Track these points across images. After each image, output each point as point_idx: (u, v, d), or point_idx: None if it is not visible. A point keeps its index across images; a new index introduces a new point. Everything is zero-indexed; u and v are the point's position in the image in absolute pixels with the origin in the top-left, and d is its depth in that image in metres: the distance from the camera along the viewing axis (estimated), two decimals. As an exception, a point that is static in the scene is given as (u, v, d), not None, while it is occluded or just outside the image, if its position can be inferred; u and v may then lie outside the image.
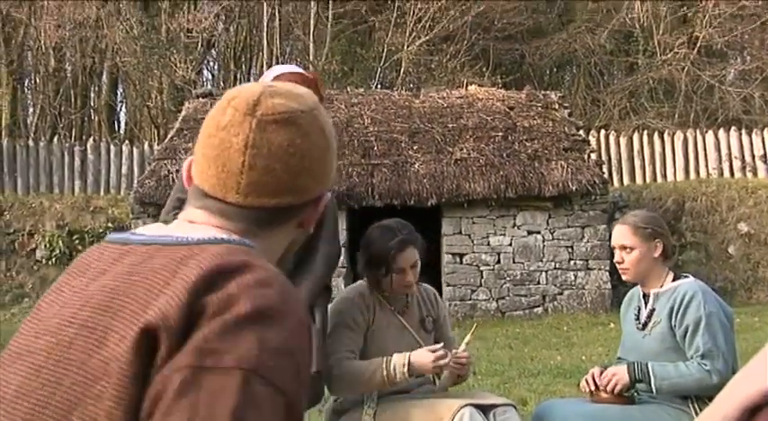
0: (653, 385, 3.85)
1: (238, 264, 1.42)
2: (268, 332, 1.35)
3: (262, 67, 24.00)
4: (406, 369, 3.77)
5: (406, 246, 3.96)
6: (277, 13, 24.43)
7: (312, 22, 24.35)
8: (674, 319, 3.90)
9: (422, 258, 4.03)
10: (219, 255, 1.44)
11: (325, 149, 1.62)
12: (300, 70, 3.96)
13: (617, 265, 4.11)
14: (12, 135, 22.13)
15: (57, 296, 1.55)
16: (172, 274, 1.41)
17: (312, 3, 24.45)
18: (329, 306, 4.09)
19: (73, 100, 25.32)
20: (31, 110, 26.21)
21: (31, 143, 19.12)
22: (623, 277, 4.12)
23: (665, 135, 19.38)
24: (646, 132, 19.82)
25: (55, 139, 19.90)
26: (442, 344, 3.88)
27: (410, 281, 3.96)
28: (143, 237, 1.57)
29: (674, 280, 4.03)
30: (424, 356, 3.79)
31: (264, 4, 24.48)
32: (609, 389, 3.94)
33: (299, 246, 3.87)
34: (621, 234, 4.06)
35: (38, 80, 26.12)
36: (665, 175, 18.92)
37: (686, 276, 4.09)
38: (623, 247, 4.04)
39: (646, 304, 4.07)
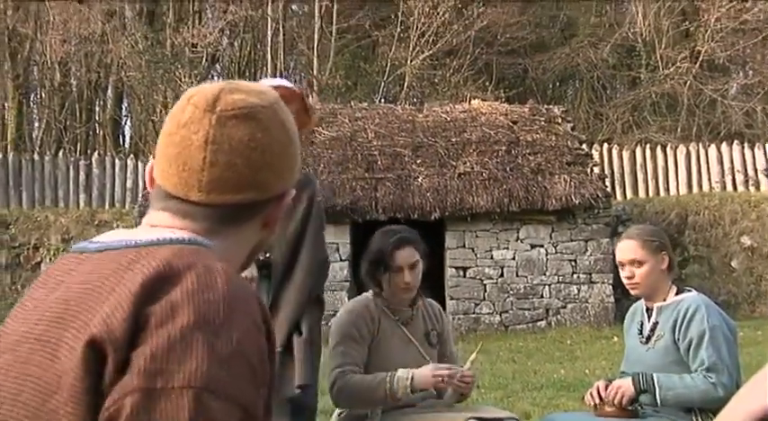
0: (658, 396, 3.83)
1: (181, 268, 1.39)
2: (216, 340, 1.32)
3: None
4: (408, 383, 3.78)
5: (403, 243, 3.98)
6: (281, 28, 24.53)
7: (316, 36, 24.43)
8: (677, 333, 3.89)
9: (425, 265, 4.05)
10: (163, 259, 1.41)
11: (287, 144, 1.60)
12: (287, 84, 3.80)
13: (626, 281, 4.06)
14: (17, 149, 22.21)
15: (20, 311, 1.54)
16: (118, 281, 1.39)
17: (316, 18, 24.53)
18: (334, 319, 4.08)
19: (78, 114, 25.41)
20: (36, 124, 26.34)
21: (36, 157, 19.19)
22: (633, 292, 4.08)
23: (668, 149, 19.42)
24: (648, 146, 19.86)
25: (60, 153, 19.99)
26: (448, 367, 3.90)
27: (408, 281, 3.96)
28: (99, 243, 1.54)
29: (677, 293, 4.03)
30: (426, 372, 3.82)
31: (269, 19, 24.59)
32: (615, 401, 3.93)
33: (285, 255, 3.56)
34: (630, 248, 4.03)
35: (43, 94, 26.24)
36: (667, 189, 18.95)
37: (689, 290, 4.08)
38: (633, 262, 4.00)
39: (649, 318, 4.05)
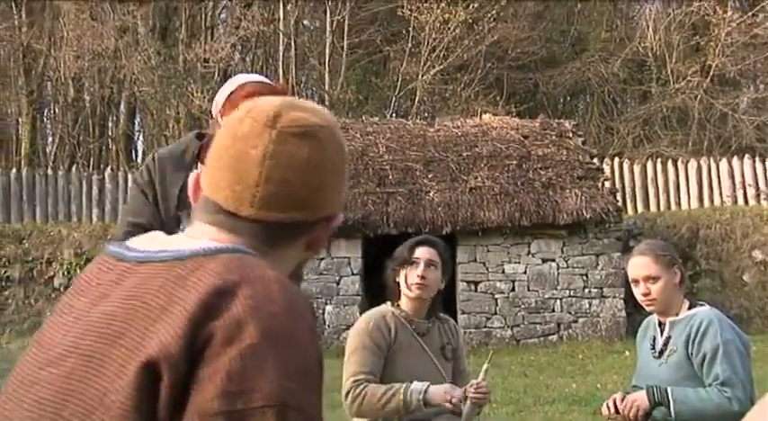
0: (672, 409, 3.80)
1: (236, 281, 1.38)
2: (286, 355, 1.34)
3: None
4: (422, 397, 3.82)
5: (425, 242, 4.13)
6: (293, 43, 24.62)
7: (327, 51, 24.52)
8: (690, 347, 3.88)
9: (443, 281, 4.14)
10: (216, 274, 1.39)
11: (340, 167, 1.59)
12: (267, 80, 3.66)
13: (642, 298, 4.02)
14: (31, 164, 22.32)
15: (59, 319, 1.53)
16: (168, 298, 1.38)
17: (328, 33, 24.63)
18: (351, 328, 4.15)
19: (91, 129, 25.53)
20: (50, 139, 26.48)
21: (49, 172, 19.30)
22: (649, 309, 4.05)
23: (679, 163, 19.42)
24: (659, 160, 19.86)
25: (73, 168, 20.09)
26: (463, 391, 3.94)
27: (422, 275, 4.02)
28: (138, 253, 1.52)
29: (689, 308, 4.01)
30: (440, 389, 3.86)
31: (280, 34, 24.70)
32: (631, 415, 3.92)
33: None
34: (644, 265, 4.00)
35: (57, 110, 26.39)
36: (678, 203, 18.94)
37: (702, 304, 4.07)
38: (648, 278, 3.97)
39: (662, 332, 4.04)
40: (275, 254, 1.54)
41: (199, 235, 1.54)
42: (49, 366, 1.44)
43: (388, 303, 4.17)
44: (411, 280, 4.05)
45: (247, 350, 1.31)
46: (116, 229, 3.80)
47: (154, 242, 1.56)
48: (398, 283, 4.11)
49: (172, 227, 3.35)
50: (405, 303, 4.12)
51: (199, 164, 3.46)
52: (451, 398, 3.82)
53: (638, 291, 4.05)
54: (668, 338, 3.99)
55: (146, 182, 3.65)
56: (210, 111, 3.76)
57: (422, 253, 4.06)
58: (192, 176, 1.68)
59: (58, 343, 1.47)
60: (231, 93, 3.43)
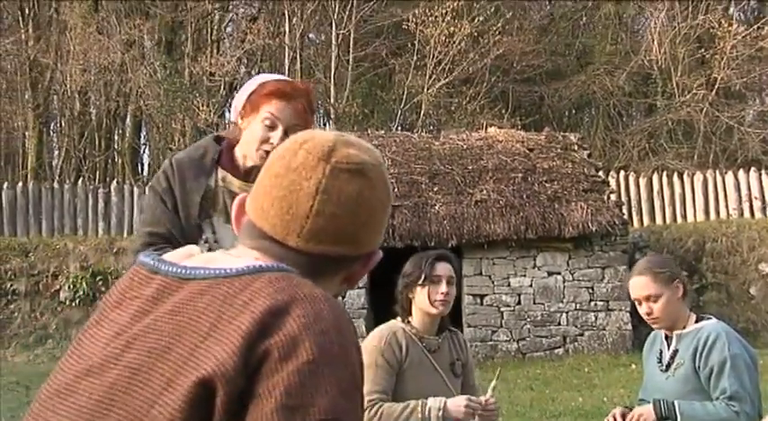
0: None
1: (287, 300, 1.42)
2: (340, 372, 1.40)
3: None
4: (441, 414, 3.79)
5: (443, 258, 4.07)
6: (298, 57, 24.69)
7: (333, 65, 24.57)
8: (698, 361, 3.86)
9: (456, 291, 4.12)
10: (266, 293, 1.43)
11: (386, 205, 1.62)
12: (288, 78, 3.59)
13: (646, 317, 4.00)
14: (37, 177, 22.38)
15: (97, 331, 1.56)
16: (217, 316, 1.42)
17: (333, 46, 24.69)
18: (361, 345, 4.08)
19: (97, 143, 25.60)
20: (56, 152, 26.55)
21: (56, 185, 19.35)
22: (655, 327, 4.03)
23: (685, 176, 19.42)
24: (665, 173, 19.87)
25: (79, 182, 20.14)
26: (481, 399, 3.92)
27: (446, 292, 4.00)
28: (179, 268, 1.56)
29: (696, 321, 3.99)
30: (459, 402, 3.84)
31: (286, 47, 24.77)
32: None
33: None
34: (643, 285, 3.97)
35: (63, 123, 26.47)
36: (684, 216, 18.93)
37: (709, 317, 4.05)
38: (648, 298, 3.95)
39: (669, 345, 4.02)
40: (317, 282, 1.55)
41: (242, 254, 1.57)
42: (88, 376, 1.48)
43: (398, 319, 4.13)
44: (435, 297, 4.00)
45: (304, 366, 1.36)
46: (134, 239, 3.66)
47: (193, 258, 1.60)
48: (411, 299, 4.07)
49: (193, 236, 3.30)
50: (416, 319, 4.08)
51: (219, 168, 3.43)
52: (473, 411, 3.81)
53: (641, 310, 4.03)
54: (675, 351, 3.97)
55: (164, 188, 3.43)
56: (217, 125, 3.69)
57: (443, 270, 4.02)
58: (237, 199, 1.69)
59: (99, 354, 1.51)
60: (252, 93, 3.34)
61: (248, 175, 3.30)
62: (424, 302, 4.02)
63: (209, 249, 3.04)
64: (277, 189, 1.56)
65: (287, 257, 1.54)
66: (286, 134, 3.14)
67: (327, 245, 1.55)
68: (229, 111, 3.67)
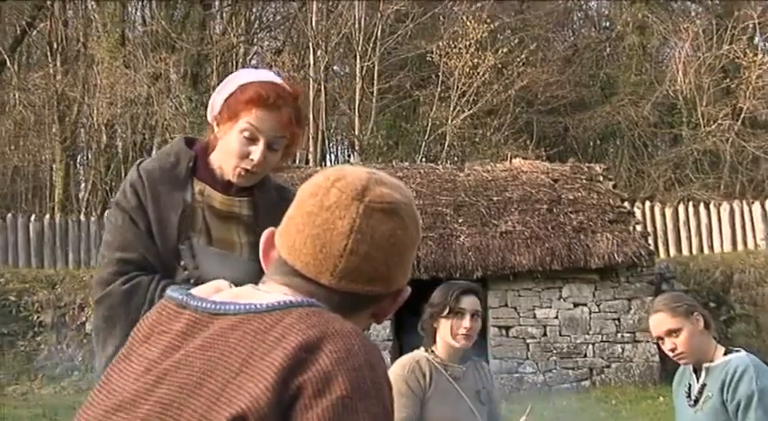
0: None
1: (320, 337, 1.42)
2: (373, 407, 1.40)
3: (308, 141, 24.33)
4: None
5: (469, 291, 4.07)
6: (323, 89, 24.82)
7: (357, 97, 24.69)
8: (725, 394, 3.81)
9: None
10: (298, 329, 1.44)
11: (415, 243, 1.63)
12: (274, 78, 2.97)
13: (671, 354, 3.97)
14: (64, 210, 22.54)
15: (126, 365, 1.58)
16: (249, 352, 1.43)
17: (357, 78, 24.82)
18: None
19: (123, 175, 25.71)
20: (82, 185, 26.74)
21: (82, 218, 19.47)
22: (682, 362, 4.00)
23: (711, 206, 19.30)
24: (691, 203, 19.77)
25: (105, 214, 20.24)
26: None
27: (469, 327, 4.00)
28: (208, 303, 1.56)
29: (725, 354, 3.95)
30: None
31: (311, 79, 24.91)
32: None
33: None
34: (662, 321, 3.96)
35: (90, 156, 26.69)
36: (711, 247, 18.80)
37: (738, 350, 4.00)
38: (670, 333, 3.93)
39: (697, 379, 3.99)
40: (346, 318, 1.56)
41: (272, 289, 1.58)
42: (118, 411, 1.49)
43: (422, 348, 4.14)
44: (458, 330, 4.01)
45: (338, 402, 1.37)
46: (101, 266, 2.96)
47: (222, 293, 1.60)
48: (435, 329, 4.07)
49: (170, 262, 2.87)
50: (440, 348, 4.09)
51: (195, 180, 2.96)
52: None
53: (665, 348, 4.01)
54: (703, 385, 3.93)
55: (134, 206, 2.90)
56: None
57: (468, 303, 4.02)
58: (265, 234, 1.68)
59: (129, 389, 1.52)
60: (230, 96, 2.87)
61: (229, 188, 2.94)
62: (447, 334, 4.04)
63: (188, 277, 2.82)
64: (310, 227, 1.55)
65: (318, 295, 1.55)
66: (270, 147, 2.83)
67: (360, 283, 1.55)
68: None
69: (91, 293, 2.97)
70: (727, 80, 26.06)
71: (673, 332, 3.92)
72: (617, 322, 15.04)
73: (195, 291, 1.62)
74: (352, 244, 1.53)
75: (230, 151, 2.85)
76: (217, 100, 2.93)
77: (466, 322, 4.00)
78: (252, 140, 2.81)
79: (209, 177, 2.95)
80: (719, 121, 24.68)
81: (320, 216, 1.55)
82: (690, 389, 4.03)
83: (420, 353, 4.13)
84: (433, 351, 4.10)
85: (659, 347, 3.88)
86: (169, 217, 2.89)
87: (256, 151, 2.81)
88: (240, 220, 2.95)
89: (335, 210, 1.54)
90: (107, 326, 2.84)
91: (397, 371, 4.03)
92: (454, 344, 4.04)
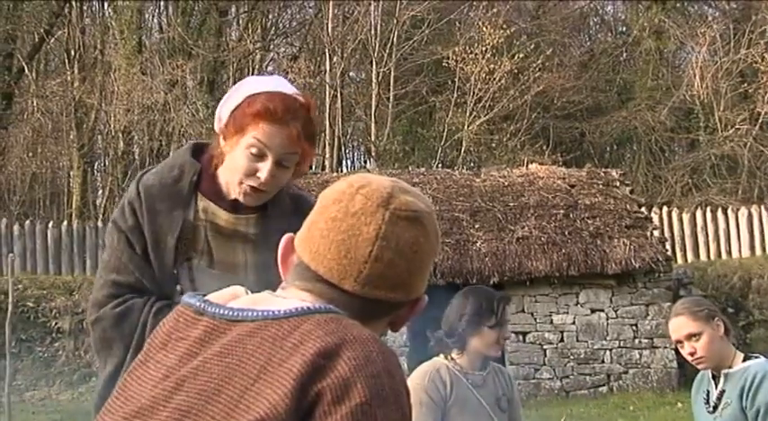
0: None
1: (338, 343, 1.42)
2: (392, 414, 1.41)
3: (324, 147, 24.37)
4: None
5: (507, 301, 4.10)
6: (339, 95, 24.85)
7: (374, 103, 24.69)
8: (744, 400, 3.79)
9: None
10: (317, 336, 1.44)
11: (435, 251, 1.64)
12: (283, 88, 2.72)
13: (690, 358, 3.94)
14: (81, 217, 22.62)
15: (143, 372, 1.58)
16: (267, 359, 1.43)
17: (374, 84, 24.83)
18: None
19: (140, 182, 25.81)
20: (99, 192, 26.83)
21: (99, 224, 19.50)
22: (701, 367, 3.97)
23: (729, 211, 19.21)
24: (709, 209, 19.68)
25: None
26: None
27: (506, 337, 4.03)
28: (225, 310, 1.56)
29: (744, 360, 3.92)
30: None
31: (327, 86, 24.95)
32: None
33: None
34: (682, 324, 3.93)
35: (107, 163, 26.77)
36: (729, 252, 18.71)
37: (757, 356, 3.98)
38: (690, 336, 3.90)
39: (716, 386, 3.96)
40: (365, 324, 1.57)
41: (290, 295, 1.59)
42: (137, 418, 1.50)
43: (441, 356, 4.11)
44: (501, 339, 4.03)
45: (357, 408, 1.37)
46: (96, 286, 2.83)
47: (239, 299, 1.60)
48: (470, 338, 4.03)
49: (167, 285, 2.72)
50: (466, 357, 4.06)
51: (199, 195, 2.78)
52: None
53: (684, 352, 3.98)
54: (722, 392, 3.91)
55: (131, 226, 2.75)
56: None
57: (508, 313, 4.06)
58: (284, 239, 1.67)
59: (147, 396, 1.52)
60: (236, 108, 2.66)
61: (236, 207, 2.76)
62: (488, 344, 4.01)
63: None
64: (335, 233, 1.55)
65: (340, 301, 1.55)
66: (279, 165, 2.63)
67: (382, 290, 1.55)
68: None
69: (87, 314, 2.87)
70: (745, 84, 25.96)
71: (693, 336, 3.90)
72: (634, 328, 14.99)
73: (212, 297, 1.62)
74: (377, 250, 1.53)
75: (236, 168, 2.66)
76: (223, 111, 2.73)
77: (506, 332, 4.02)
78: (259, 157, 2.61)
79: (215, 193, 2.77)
80: (737, 126, 24.59)
81: (345, 222, 1.55)
82: (708, 395, 4.00)
83: (439, 360, 4.10)
84: (452, 358, 4.07)
85: (677, 353, 3.85)
86: (166, 239, 2.73)
87: (264, 169, 2.62)
88: (246, 239, 2.77)
89: (361, 216, 1.55)
90: (103, 347, 2.77)
91: (417, 380, 4.00)
92: (489, 353, 4.04)
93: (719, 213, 19.16)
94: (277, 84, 2.72)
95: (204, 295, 1.64)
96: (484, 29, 23.81)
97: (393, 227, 1.55)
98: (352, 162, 30.74)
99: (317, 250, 1.57)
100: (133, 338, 2.57)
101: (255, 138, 2.58)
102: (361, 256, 1.53)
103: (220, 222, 2.75)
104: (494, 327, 3.97)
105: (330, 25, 24.87)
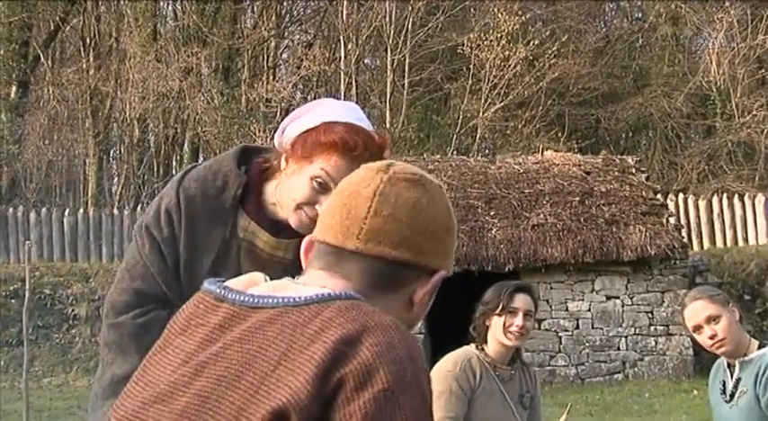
0: None
1: (360, 330, 1.42)
2: (414, 400, 1.40)
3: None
4: None
5: (522, 289, 4.08)
6: (354, 82, 24.83)
7: (388, 90, 24.68)
8: (758, 388, 3.76)
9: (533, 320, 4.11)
10: (338, 323, 1.44)
11: (448, 226, 1.65)
12: (366, 125, 2.55)
13: (710, 342, 3.88)
14: (97, 204, 22.71)
15: (162, 357, 1.59)
16: (288, 345, 1.43)
17: (389, 71, 24.80)
18: (433, 369, 3.97)
19: (156, 169, 25.91)
20: (115, 179, 26.94)
21: (115, 212, 19.61)
22: (721, 351, 3.91)
23: (746, 198, 19.12)
24: (725, 195, 19.60)
25: (138, 208, 20.39)
26: None
27: (521, 325, 3.99)
28: (246, 297, 1.56)
29: (759, 348, 3.89)
30: None
31: (341, 73, 24.93)
32: None
33: None
34: (701, 307, 3.90)
35: (122, 150, 26.86)
36: (746, 239, 18.62)
37: (772, 344, 3.97)
38: (710, 319, 3.86)
39: (731, 375, 3.94)
40: (382, 301, 1.57)
41: (309, 281, 1.59)
42: (156, 403, 1.50)
43: (473, 345, 4.12)
44: (510, 328, 4.01)
45: (380, 394, 1.37)
46: (116, 290, 2.64)
47: (259, 286, 1.61)
48: (487, 327, 4.06)
49: None
50: (490, 348, 4.08)
51: (241, 209, 2.61)
52: None
53: (703, 337, 3.93)
54: (738, 380, 3.88)
55: (166, 238, 2.58)
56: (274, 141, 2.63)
57: (521, 302, 4.02)
58: (304, 242, 1.67)
59: (166, 381, 1.53)
60: (309, 131, 2.48)
61: (278, 229, 2.59)
62: (499, 332, 4.02)
63: None
64: (338, 200, 1.61)
65: (351, 268, 1.57)
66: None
67: (387, 247, 1.57)
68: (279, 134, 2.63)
69: (102, 311, 2.75)
70: (762, 70, 25.85)
71: (713, 319, 3.87)
72: (650, 315, 14.95)
73: (231, 283, 1.62)
74: (375, 205, 1.57)
75: (295, 194, 2.48)
76: (293, 129, 2.54)
77: (518, 320, 3.99)
78: (323, 190, 2.42)
79: (259, 212, 2.61)
80: (754, 112, 24.44)
81: (347, 189, 1.62)
82: (725, 385, 3.98)
83: (471, 350, 4.11)
84: (483, 349, 4.09)
85: (693, 340, 3.82)
86: (202, 260, 2.58)
87: (326, 203, 2.37)
88: (281, 264, 2.56)
89: (361, 181, 1.61)
90: (117, 350, 2.61)
91: (447, 368, 4.01)
92: (506, 342, 4.03)
93: (736, 200, 19.07)
94: (357, 116, 2.56)
95: (223, 281, 1.64)
96: (499, 15, 23.75)
97: (392, 186, 1.59)
98: (367, 149, 30.70)
99: (324, 222, 1.62)
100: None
101: (324, 170, 2.43)
102: (361, 213, 1.57)
103: (259, 244, 2.62)
104: (501, 315, 3.99)
105: (345, 12, 24.81)
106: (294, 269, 2.53)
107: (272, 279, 2.41)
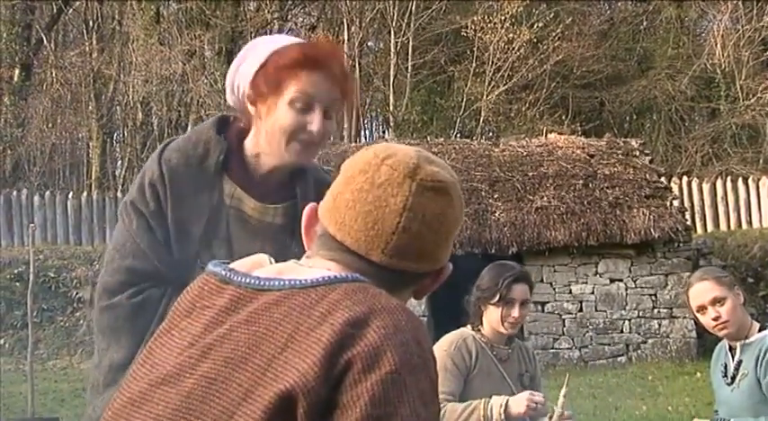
0: None
1: (367, 312, 1.43)
2: (419, 382, 1.42)
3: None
4: (503, 410, 3.80)
5: (522, 279, 4.07)
6: (357, 65, 24.77)
7: (392, 73, 24.64)
8: (759, 370, 3.80)
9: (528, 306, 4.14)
10: (345, 305, 1.44)
11: (459, 222, 1.65)
12: (307, 41, 2.58)
13: (713, 323, 3.91)
14: (101, 187, 22.73)
15: (168, 339, 1.59)
16: (295, 327, 1.44)
17: (392, 54, 24.76)
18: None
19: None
20: (119, 162, 26.93)
21: (119, 195, 19.61)
22: (723, 333, 3.94)
23: (750, 181, 19.10)
24: (729, 178, 19.58)
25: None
26: (543, 395, 3.91)
27: (516, 316, 4.01)
28: (251, 279, 1.57)
29: (759, 330, 3.92)
30: (520, 399, 3.83)
31: (345, 55, 24.86)
32: None
33: None
34: (707, 289, 3.93)
35: (126, 134, 26.84)
36: (750, 222, 18.62)
37: (772, 326, 3.96)
38: (715, 301, 3.89)
39: (732, 357, 3.97)
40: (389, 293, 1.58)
41: (317, 265, 1.59)
42: (163, 385, 1.51)
43: (469, 326, 4.17)
44: (506, 318, 4.04)
45: (387, 376, 1.38)
46: (107, 272, 2.57)
47: (265, 268, 1.62)
48: (482, 312, 4.09)
49: (185, 274, 2.28)
50: (486, 328, 4.12)
51: (226, 176, 2.55)
52: (535, 404, 3.79)
53: (707, 318, 3.95)
54: (739, 362, 3.91)
55: (153, 211, 2.51)
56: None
57: (519, 292, 4.04)
58: (307, 209, 1.66)
59: (172, 363, 1.53)
60: (264, 65, 2.42)
61: (264, 195, 2.56)
62: (495, 321, 4.06)
63: None
64: (361, 204, 1.56)
65: (367, 271, 1.56)
66: (326, 115, 2.42)
67: (410, 262, 1.57)
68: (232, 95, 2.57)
69: (95, 295, 2.69)
70: (767, 53, 25.71)
71: (718, 301, 3.90)
72: (653, 298, 14.96)
73: (236, 265, 1.63)
74: (405, 221, 1.54)
75: (280, 129, 2.42)
76: (241, 78, 2.48)
77: (515, 312, 4.02)
78: (306, 109, 2.39)
79: (244, 176, 2.56)
80: (759, 95, 24.38)
81: (372, 193, 1.56)
82: (726, 368, 4.00)
83: (467, 330, 4.16)
84: (479, 329, 4.13)
85: (696, 323, 3.84)
86: (191, 228, 2.52)
87: (314, 120, 2.40)
88: (270, 228, 2.57)
89: (388, 187, 1.55)
90: (111, 334, 2.54)
91: (443, 346, 4.05)
92: (501, 331, 4.08)
93: (740, 183, 19.05)
94: (288, 39, 2.51)
95: (228, 263, 1.64)
96: (502, -3, 23.67)
97: (420, 198, 1.55)
98: (371, 132, 30.71)
99: (343, 221, 1.57)
100: (147, 331, 2.38)
101: (298, 91, 2.37)
102: (388, 228, 1.54)
103: (247, 210, 2.57)
104: (498, 305, 4.00)
105: (348, -6, 24.77)
106: (284, 233, 2.56)
107: (262, 244, 2.40)
